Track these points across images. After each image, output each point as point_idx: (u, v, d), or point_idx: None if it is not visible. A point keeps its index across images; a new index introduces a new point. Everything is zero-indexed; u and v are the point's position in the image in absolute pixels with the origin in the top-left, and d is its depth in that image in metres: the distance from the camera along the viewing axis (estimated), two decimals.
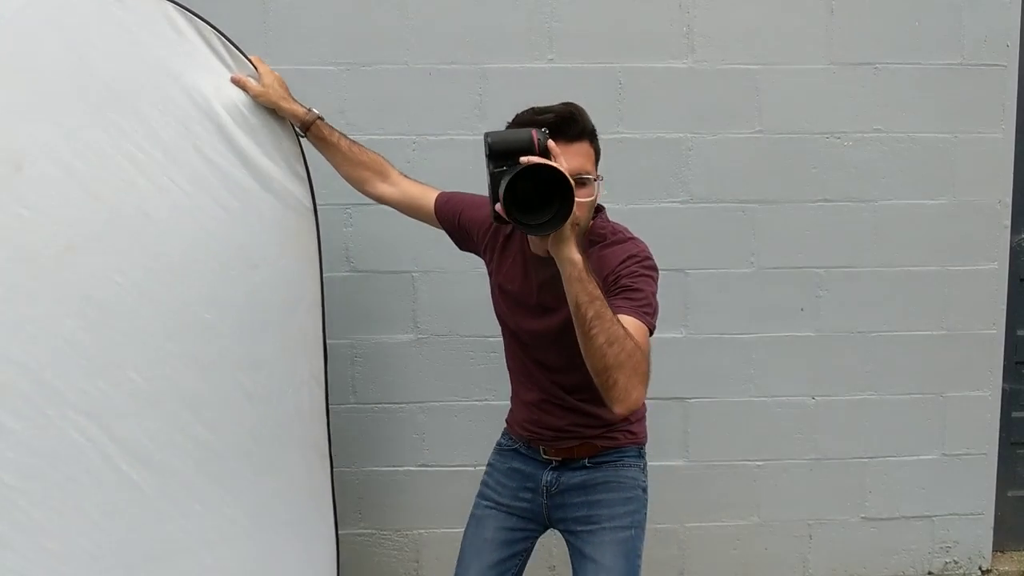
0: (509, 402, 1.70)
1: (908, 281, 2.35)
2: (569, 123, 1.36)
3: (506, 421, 1.72)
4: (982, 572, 2.50)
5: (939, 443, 2.43)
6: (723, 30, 2.24)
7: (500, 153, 1.25)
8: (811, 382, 2.39)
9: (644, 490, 1.61)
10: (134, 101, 1.56)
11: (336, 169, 1.78)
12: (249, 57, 1.70)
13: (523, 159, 1.21)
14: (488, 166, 1.27)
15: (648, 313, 1.37)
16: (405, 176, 1.78)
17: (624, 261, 1.42)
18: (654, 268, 1.45)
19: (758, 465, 2.41)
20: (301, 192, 1.74)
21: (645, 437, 1.64)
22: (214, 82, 1.64)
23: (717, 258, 2.32)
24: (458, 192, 1.72)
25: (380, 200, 1.78)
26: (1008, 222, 2.36)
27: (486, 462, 1.72)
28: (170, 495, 1.58)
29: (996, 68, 2.28)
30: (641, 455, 1.62)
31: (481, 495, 1.70)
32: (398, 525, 2.39)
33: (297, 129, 1.73)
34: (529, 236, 1.44)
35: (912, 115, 2.29)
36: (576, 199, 1.20)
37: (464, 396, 2.32)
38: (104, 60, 1.53)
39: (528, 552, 1.68)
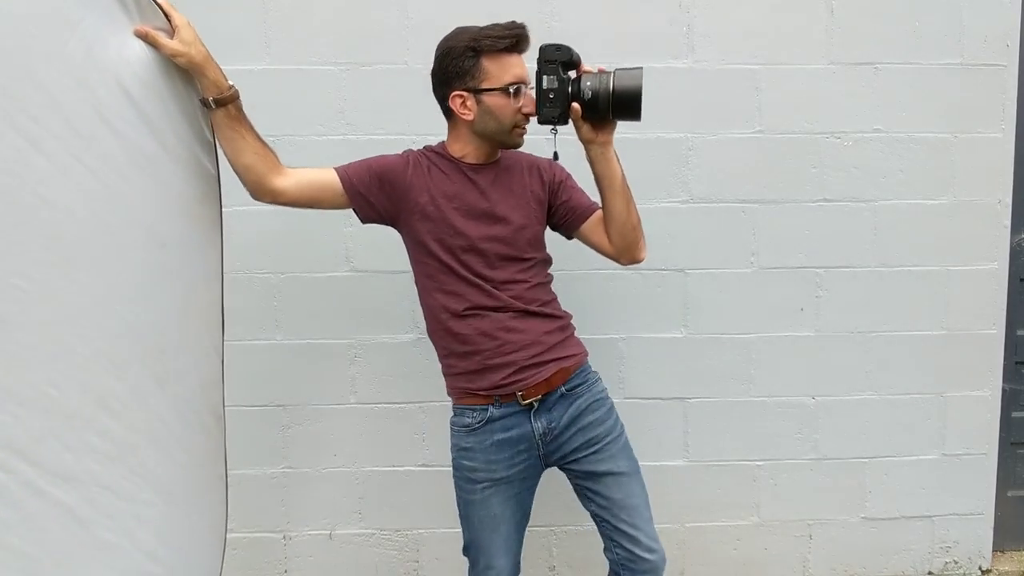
0: (452, 378, 1.70)
1: (908, 281, 2.35)
2: (527, 40, 1.62)
3: (461, 394, 1.69)
4: (982, 572, 2.50)
5: (939, 443, 2.43)
6: (723, 30, 2.24)
7: (569, 64, 1.56)
8: (811, 382, 2.38)
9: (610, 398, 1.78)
10: (26, 58, 1.26)
11: (236, 158, 1.56)
12: (158, 1, 1.42)
13: (597, 68, 1.56)
14: (558, 71, 1.55)
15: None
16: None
17: (552, 166, 1.76)
18: None
19: (758, 465, 2.41)
20: (207, 158, 1.55)
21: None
22: (117, 32, 1.37)
23: (717, 258, 2.32)
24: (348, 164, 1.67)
25: (276, 197, 1.60)
26: (1008, 222, 2.36)
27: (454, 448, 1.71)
28: (94, 501, 1.46)
29: (996, 68, 2.28)
30: (593, 369, 1.77)
31: (470, 480, 1.68)
32: (398, 525, 2.39)
33: (209, 101, 1.49)
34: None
35: (912, 115, 2.29)
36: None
37: None
38: None
39: (532, 500, 1.75)
